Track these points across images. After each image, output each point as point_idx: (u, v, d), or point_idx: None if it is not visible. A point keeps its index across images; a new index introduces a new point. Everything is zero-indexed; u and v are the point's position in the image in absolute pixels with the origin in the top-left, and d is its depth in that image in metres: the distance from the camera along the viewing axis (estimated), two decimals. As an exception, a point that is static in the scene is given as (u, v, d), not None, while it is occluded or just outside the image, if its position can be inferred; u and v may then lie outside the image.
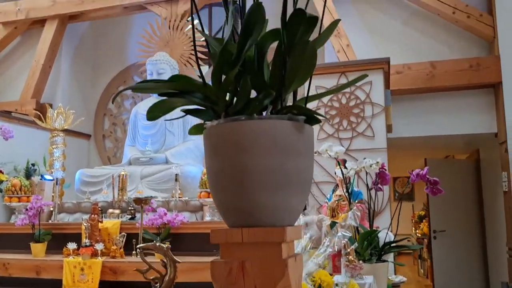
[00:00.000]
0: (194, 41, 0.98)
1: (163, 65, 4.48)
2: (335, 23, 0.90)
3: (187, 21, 5.16)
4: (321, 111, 3.17)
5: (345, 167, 2.36)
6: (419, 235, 7.78)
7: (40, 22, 5.68)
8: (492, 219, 5.09)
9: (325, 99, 3.18)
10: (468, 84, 4.12)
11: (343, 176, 2.30)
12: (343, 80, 3.16)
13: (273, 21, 0.96)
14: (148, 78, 4.58)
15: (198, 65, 1.01)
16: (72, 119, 4.55)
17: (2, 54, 5.94)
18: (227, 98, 0.93)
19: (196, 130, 0.98)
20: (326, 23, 4.26)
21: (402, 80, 4.21)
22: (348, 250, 1.86)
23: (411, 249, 7.95)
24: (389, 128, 3.45)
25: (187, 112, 0.95)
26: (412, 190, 11.42)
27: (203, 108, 0.95)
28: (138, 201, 3.31)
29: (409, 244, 3.81)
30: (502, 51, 3.96)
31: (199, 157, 4.59)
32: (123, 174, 3.83)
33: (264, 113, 0.91)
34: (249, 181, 0.82)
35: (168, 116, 1.00)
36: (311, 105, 3.22)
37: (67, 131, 4.78)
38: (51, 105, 5.67)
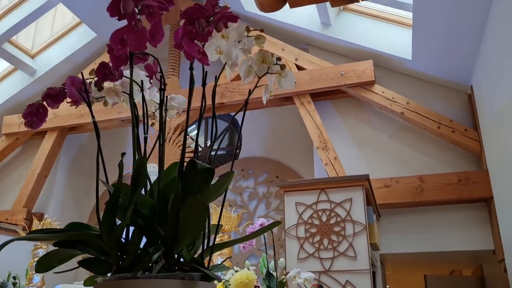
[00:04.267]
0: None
1: (151, 177, 4.50)
2: (230, 174, 0.87)
3: (188, 135, 5.28)
4: (301, 229, 3.08)
5: (318, 295, 2.22)
6: None
7: (41, 133, 5.87)
8: None
9: (305, 216, 3.10)
10: (458, 199, 4.04)
11: (314, 305, 2.15)
12: (323, 197, 3.11)
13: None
14: (138, 189, 4.59)
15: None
16: (57, 230, 4.47)
17: (1, 164, 6.07)
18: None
19: (90, 282, 0.91)
20: (315, 137, 4.31)
21: (391, 194, 4.15)
22: None
23: None
24: (374, 247, 3.30)
25: (81, 264, 0.89)
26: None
27: (101, 258, 0.90)
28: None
29: None
30: (490, 166, 3.93)
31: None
32: (100, 292, 3.64)
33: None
34: None
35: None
36: (291, 221, 3.14)
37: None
38: (42, 214, 5.65)
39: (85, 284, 0.92)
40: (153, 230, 0.85)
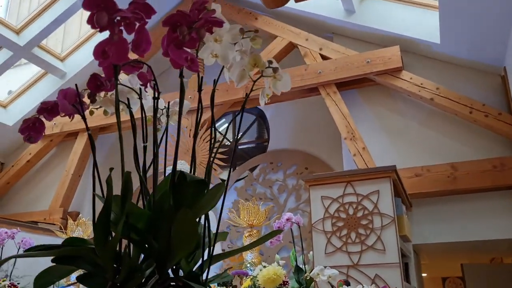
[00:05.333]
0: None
1: (179, 174, 4.54)
2: (222, 185, 0.84)
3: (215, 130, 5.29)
4: (328, 223, 3.03)
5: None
6: None
7: (73, 135, 6.03)
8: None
9: (332, 210, 3.05)
10: (493, 186, 3.87)
11: (339, 303, 2.11)
12: (350, 190, 3.04)
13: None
14: (167, 186, 4.64)
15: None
16: (91, 230, 4.59)
17: (38, 166, 6.27)
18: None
19: (88, 298, 0.91)
20: (342, 128, 4.21)
21: (422, 183, 4.03)
22: None
23: None
24: (405, 239, 3.22)
25: (79, 279, 0.89)
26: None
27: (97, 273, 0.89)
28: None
29: None
30: (527, 150, 3.76)
31: None
32: (133, 289, 3.71)
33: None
34: None
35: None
36: (317, 215, 3.10)
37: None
38: (78, 213, 5.81)
39: (84, 299, 0.92)
40: (147, 243, 0.83)
